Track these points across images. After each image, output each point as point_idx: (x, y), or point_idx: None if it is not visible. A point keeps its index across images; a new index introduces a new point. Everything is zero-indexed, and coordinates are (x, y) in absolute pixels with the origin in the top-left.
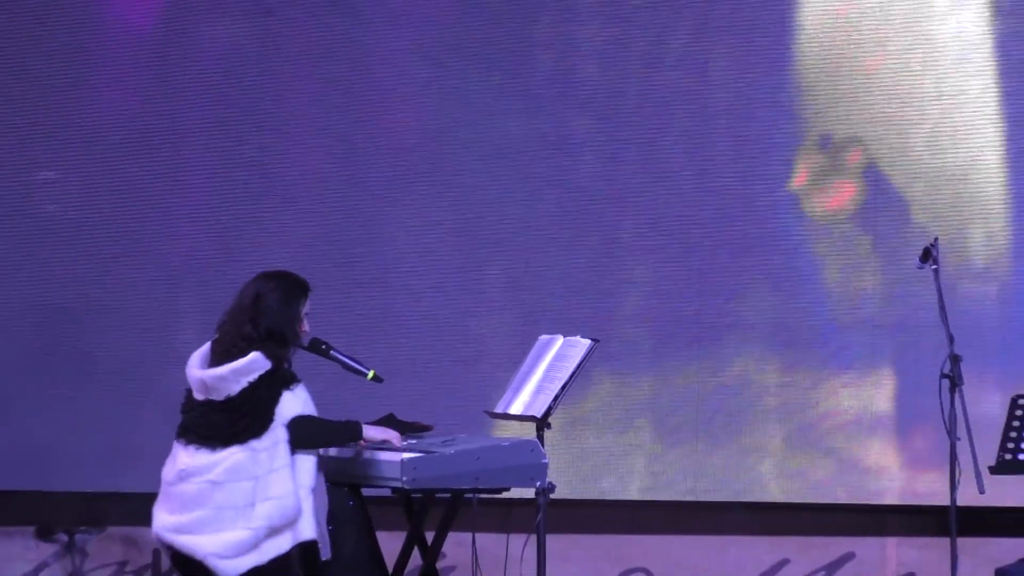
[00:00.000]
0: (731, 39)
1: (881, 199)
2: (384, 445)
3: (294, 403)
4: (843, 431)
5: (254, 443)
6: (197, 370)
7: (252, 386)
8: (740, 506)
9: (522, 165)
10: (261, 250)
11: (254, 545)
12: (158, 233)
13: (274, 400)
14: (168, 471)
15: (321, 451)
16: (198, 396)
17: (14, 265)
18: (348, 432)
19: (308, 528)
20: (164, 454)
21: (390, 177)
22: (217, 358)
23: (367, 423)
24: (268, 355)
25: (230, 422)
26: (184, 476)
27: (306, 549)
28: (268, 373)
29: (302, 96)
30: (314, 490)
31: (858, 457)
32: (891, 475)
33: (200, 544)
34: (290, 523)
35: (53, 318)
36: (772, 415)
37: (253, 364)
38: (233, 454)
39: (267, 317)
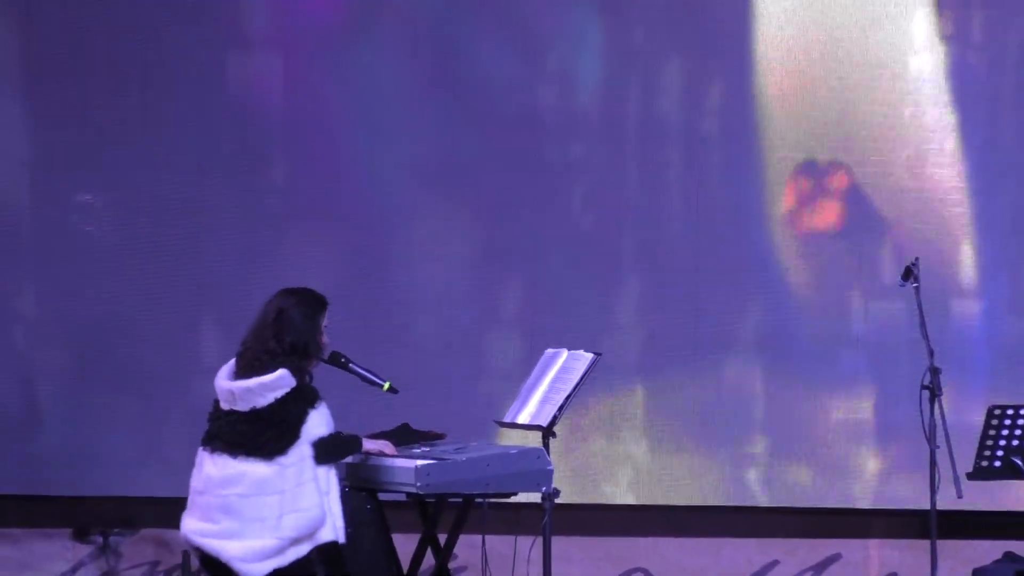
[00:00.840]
0: (725, 72)
1: (864, 221)
2: (381, 456)
3: (318, 421)
4: (830, 439)
5: (281, 459)
6: (225, 381)
7: (279, 401)
8: (733, 510)
9: (528, 190)
10: (282, 269)
11: (279, 551)
12: (185, 253)
13: (301, 419)
14: (196, 480)
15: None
16: (224, 406)
17: (55, 282)
18: (354, 445)
19: (328, 531)
20: (191, 461)
21: (405, 200)
22: (242, 371)
23: (372, 435)
24: (294, 372)
25: (255, 433)
26: (210, 487)
27: (326, 550)
28: (294, 390)
29: (321, 125)
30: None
31: (843, 464)
32: (874, 481)
33: (226, 548)
34: (314, 531)
35: (90, 332)
36: (763, 424)
37: (280, 380)
38: (258, 467)
39: (289, 331)
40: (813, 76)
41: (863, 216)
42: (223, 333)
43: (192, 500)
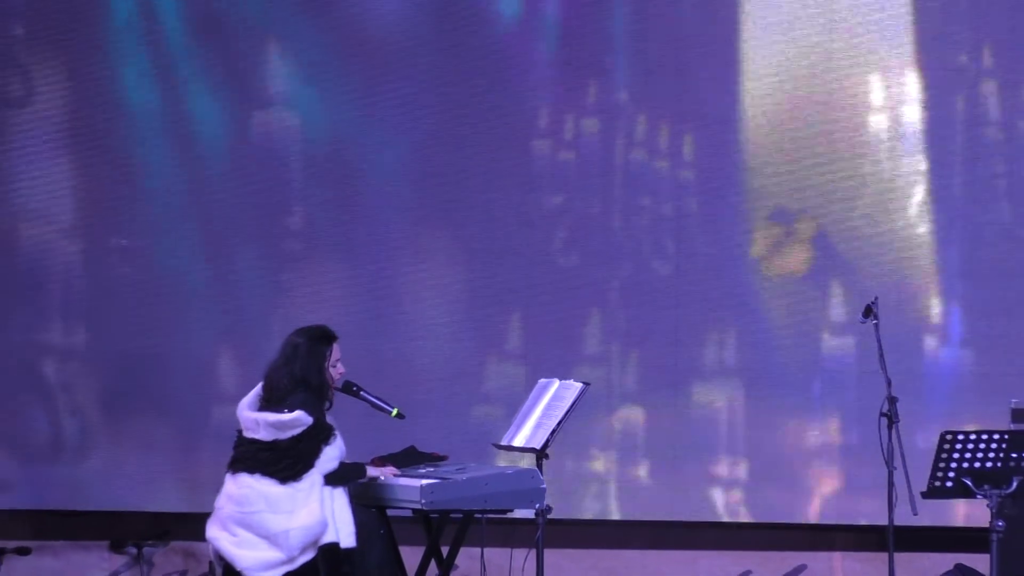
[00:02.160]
0: (705, 128)
1: (829, 263)
2: (384, 479)
3: (331, 455)
4: (798, 461)
5: (294, 483)
6: (248, 411)
7: (295, 439)
8: (709, 525)
9: (522, 234)
10: (300, 306)
11: (288, 561)
12: (211, 293)
13: (315, 454)
14: (219, 498)
15: None
16: (247, 434)
17: (100, 320)
18: (359, 472)
19: (331, 534)
20: (215, 480)
21: (410, 244)
22: (264, 403)
23: (380, 457)
24: (310, 409)
25: (274, 460)
26: (230, 503)
27: (327, 551)
28: (311, 428)
29: (335, 177)
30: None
31: (810, 483)
32: (838, 499)
33: (240, 557)
34: (318, 540)
35: (127, 365)
36: (737, 448)
37: (297, 421)
38: (272, 488)
39: (298, 365)
40: (784, 133)
41: (828, 259)
42: (244, 366)
43: (215, 513)
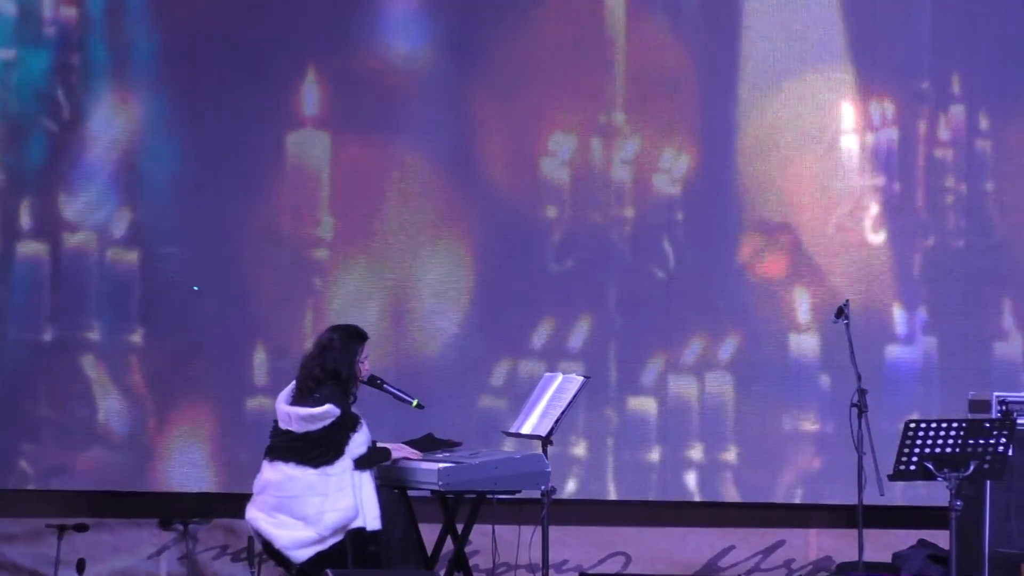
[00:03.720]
0: (696, 148)
1: (805, 269)
2: (407, 461)
3: (359, 441)
4: (778, 447)
5: (327, 468)
6: (284, 405)
7: (326, 428)
8: (698, 504)
9: (530, 245)
10: (328, 309)
11: (320, 541)
12: (248, 295)
13: (345, 442)
14: (258, 481)
15: None
16: (282, 425)
17: (150, 317)
18: (385, 455)
19: (359, 520)
20: (250, 464)
21: (427, 252)
22: (298, 396)
23: (402, 443)
24: (338, 401)
25: (307, 448)
26: (268, 488)
27: (355, 535)
28: (339, 418)
29: (361, 192)
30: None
31: (788, 467)
32: (813, 481)
33: (279, 536)
34: (348, 524)
35: (176, 358)
36: (725, 435)
37: (327, 413)
38: (307, 474)
39: (331, 360)
40: (766, 153)
41: (804, 265)
42: (276, 361)
43: (254, 496)
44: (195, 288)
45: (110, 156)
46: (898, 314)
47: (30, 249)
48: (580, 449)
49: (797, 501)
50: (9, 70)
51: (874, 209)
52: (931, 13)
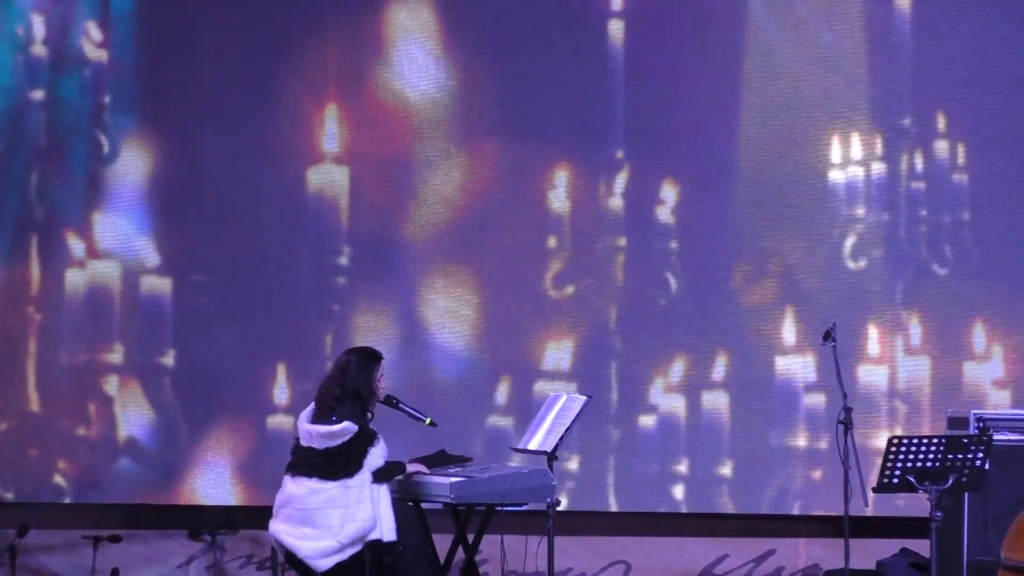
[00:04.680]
0: (693, 182)
1: (795, 294)
2: (421, 475)
3: (376, 455)
4: (769, 461)
5: (347, 481)
6: (305, 423)
7: (345, 444)
8: (695, 516)
9: (531, 271)
10: (346, 332)
11: (340, 551)
12: (272, 320)
13: (363, 456)
14: (281, 495)
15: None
16: (304, 442)
17: (182, 340)
18: (401, 468)
19: (376, 532)
20: (273, 478)
21: (437, 279)
22: (318, 416)
23: (413, 459)
24: (356, 419)
25: (328, 464)
26: (292, 501)
27: (373, 546)
28: (357, 434)
29: (377, 223)
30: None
31: (779, 480)
32: (802, 493)
33: (302, 547)
34: (367, 535)
35: (204, 378)
36: (721, 450)
37: (345, 430)
38: (329, 488)
39: (349, 380)
40: (759, 185)
41: (793, 291)
42: (297, 382)
43: (277, 510)
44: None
45: (143, 190)
46: (883, 337)
47: (74, 277)
48: (582, 464)
49: (787, 512)
50: (45, 110)
51: (859, 238)
52: (911, 54)
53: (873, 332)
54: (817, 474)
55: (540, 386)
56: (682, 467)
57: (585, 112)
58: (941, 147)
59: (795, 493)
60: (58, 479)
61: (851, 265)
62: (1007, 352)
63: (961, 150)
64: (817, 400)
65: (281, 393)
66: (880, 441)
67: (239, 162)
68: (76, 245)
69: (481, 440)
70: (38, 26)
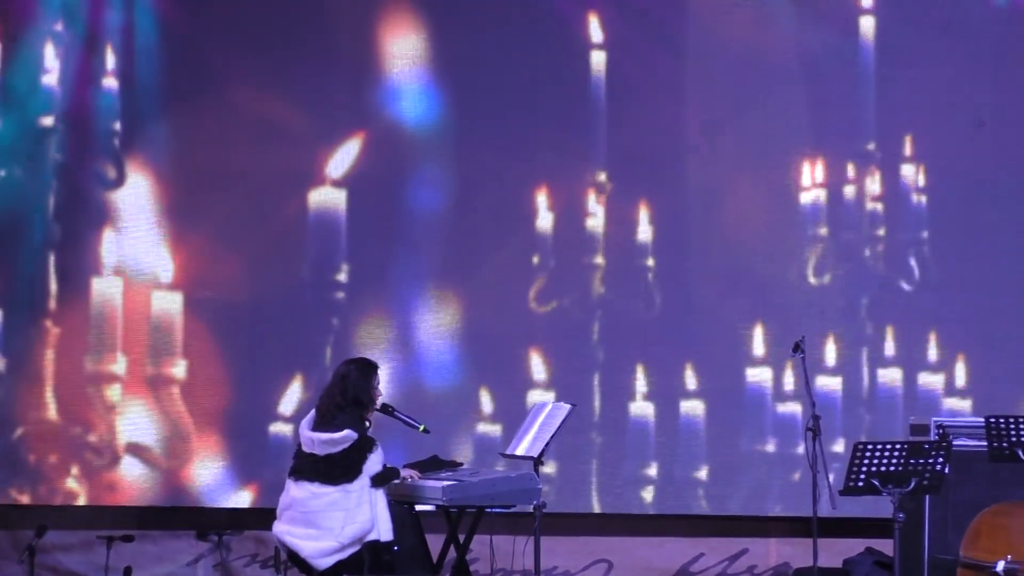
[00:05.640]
0: (670, 202)
1: (766, 308)
2: (414, 480)
3: (375, 461)
4: (743, 465)
5: (347, 486)
6: (307, 431)
7: (345, 451)
8: (673, 517)
9: (519, 287)
10: (344, 344)
11: (340, 550)
12: (275, 332)
13: (362, 461)
14: (284, 498)
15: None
16: (306, 448)
17: (191, 353)
18: (396, 474)
19: (374, 533)
20: (275, 483)
21: (430, 299)
22: (319, 423)
23: (407, 464)
24: (356, 426)
25: (329, 469)
26: (295, 504)
27: (371, 546)
28: (357, 441)
29: (374, 243)
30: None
31: (752, 483)
32: (773, 495)
33: (304, 547)
34: (365, 536)
35: (212, 388)
36: (698, 455)
37: (346, 438)
38: (330, 492)
39: (349, 388)
40: (732, 206)
41: (766, 305)
42: (298, 391)
43: (281, 512)
44: (208, 295)
45: (155, 211)
46: (849, 347)
47: (89, 292)
48: (567, 468)
49: (759, 513)
50: (61, 134)
51: (825, 256)
52: (875, 83)
53: (839, 343)
54: (787, 477)
55: (526, 396)
56: (660, 471)
57: (568, 137)
58: (902, 170)
59: (766, 495)
60: (73, 483)
61: (818, 280)
62: (966, 363)
63: (922, 173)
64: (786, 408)
65: (282, 402)
66: (846, 447)
67: (245, 185)
68: (92, 262)
69: (471, 446)
70: (51, 54)
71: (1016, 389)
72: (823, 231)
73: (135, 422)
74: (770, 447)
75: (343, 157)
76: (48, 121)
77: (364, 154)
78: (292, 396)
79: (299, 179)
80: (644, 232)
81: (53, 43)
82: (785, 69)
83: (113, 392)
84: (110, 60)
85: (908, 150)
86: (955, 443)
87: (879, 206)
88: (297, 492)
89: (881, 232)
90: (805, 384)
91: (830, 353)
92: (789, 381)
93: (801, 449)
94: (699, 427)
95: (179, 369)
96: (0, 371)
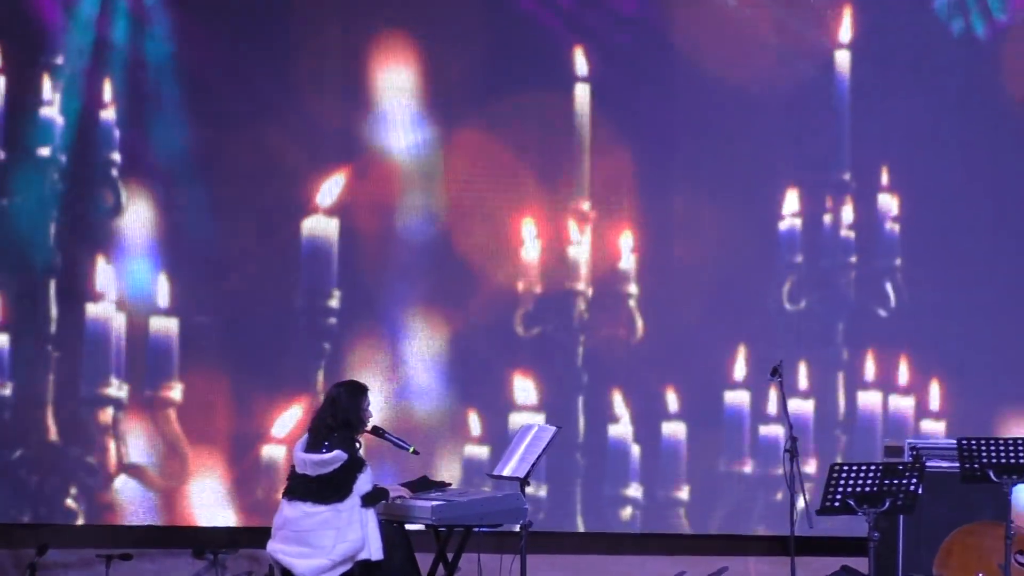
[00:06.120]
0: (647, 229)
1: (746, 334)
2: (404, 499)
3: (364, 481)
4: (723, 486)
5: (338, 505)
6: (300, 452)
7: (336, 471)
8: (655, 536)
9: (506, 313)
10: (336, 367)
11: (332, 568)
12: (268, 356)
13: (352, 481)
14: (278, 518)
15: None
16: (299, 469)
17: (188, 376)
18: (385, 494)
19: (365, 552)
20: (268, 502)
21: (417, 323)
22: (311, 445)
23: (399, 484)
24: (346, 447)
25: (320, 489)
26: (288, 523)
27: (363, 565)
28: (347, 462)
29: (367, 270)
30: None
31: (732, 503)
32: (753, 515)
33: (298, 565)
34: (356, 554)
35: (208, 411)
36: (679, 475)
37: (336, 458)
38: (322, 511)
39: (340, 410)
40: (713, 235)
41: (745, 330)
42: (290, 414)
43: (275, 531)
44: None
45: (152, 239)
46: (817, 374)
47: (88, 317)
48: (552, 488)
49: (738, 532)
50: (60, 165)
51: (804, 282)
52: (850, 115)
53: (815, 368)
54: (765, 498)
55: (512, 418)
56: (642, 491)
57: (553, 168)
58: (876, 199)
59: (745, 515)
60: (72, 502)
61: (794, 306)
62: (939, 386)
63: (896, 202)
64: (765, 430)
65: (276, 424)
66: (823, 468)
67: (239, 214)
68: (91, 288)
69: (459, 467)
70: (48, 87)
71: (988, 412)
72: (800, 259)
73: (133, 444)
74: (749, 468)
75: (334, 186)
76: (47, 151)
77: (355, 184)
78: (285, 419)
79: (292, 208)
80: (626, 260)
81: (52, 76)
82: (764, 102)
83: (111, 414)
84: (107, 92)
85: (883, 180)
86: (928, 464)
87: (853, 234)
88: (290, 511)
89: (855, 260)
90: (783, 407)
91: (806, 377)
92: (767, 404)
93: (779, 470)
94: (680, 448)
95: (175, 392)
96: (7, 395)
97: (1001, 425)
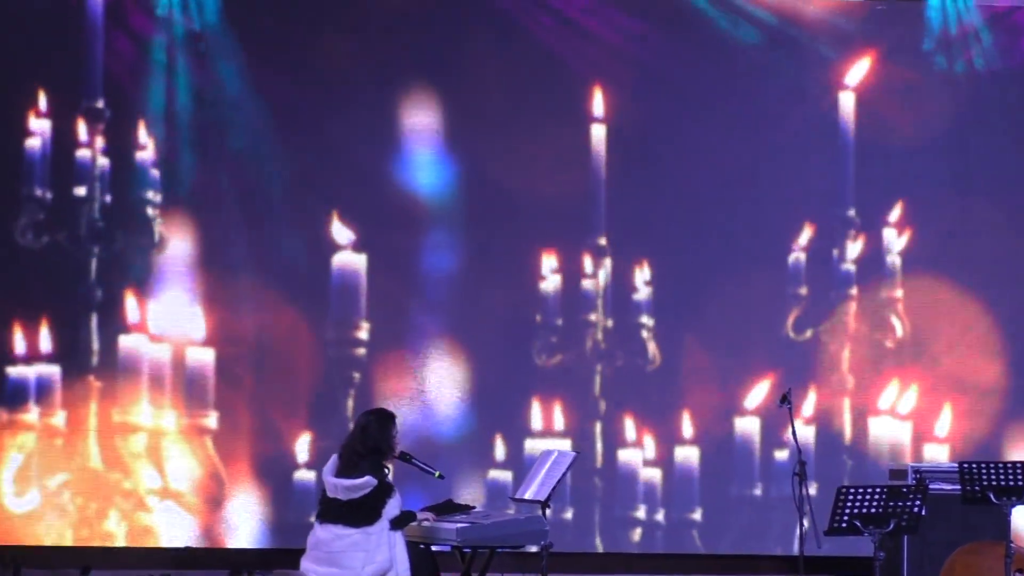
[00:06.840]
0: (662, 263)
1: (754, 362)
2: (431, 521)
3: (393, 505)
4: (735, 507)
5: (368, 528)
6: (330, 477)
7: (366, 496)
8: (669, 555)
9: (525, 341)
10: (364, 396)
11: None
12: (298, 385)
13: (382, 506)
14: (311, 538)
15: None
16: (330, 493)
17: (224, 404)
18: (412, 517)
19: (392, 572)
20: (302, 524)
21: (441, 348)
22: (342, 470)
23: (424, 508)
24: (376, 473)
25: (351, 513)
26: (320, 544)
27: None
28: (377, 487)
29: (393, 299)
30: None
31: (744, 524)
32: (763, 535)
33: None
34: (384, 574)
35: (243, 439)
36: (692, 498)
37: (366, 484)
38: (352, 534)
39: (369, 437)
40: (726, 266)
41: (756, 360)
42: (320, 440)
43: (308, 550)
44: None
45: (189, 273)
46: (825, 402)
47: (128, 349)
48: (572, 511)
49: (750, 552)
50: (98, 206)
51: (805, 311)
52: (855, 152)
53: (822, 397)
54: (775, 519)
55: (534, 444)
56: (658, 513)
57: (570, 204)
58: (880, 235)
59: (756, 535)
60: (113, 525)
61: (798, 335)
62: (942, 412)
63: (896, 237)
64: (774, 454)
65: (307, 450)
66: (830, 491)
67: (272, 250)
68: (130, 320)
69: (483, 491)
70: (84, 129)
71: (988, 437)
72: (803, 291)
73: (170, 469)
74: (759, 491)
75: (363, 224)
76: (83, 191)
77: (382, 221)
78: (316, 445)
79: (321, 245)
80: (642, 292)
81: (88, 120)
82: (770, 141)
83: (151, 441)
84: (142, 134)
85: (886, 215)
86: (931, 487)
87: (858, 267)
88: (322, 533)
89: (857, 289)
90: (792, 432)
91: (813, 403)
92: (777, 430)
93: (788, 492)
94: (693, 472)
95: (211, 420)
96: (59, 424)
97: (1003, 449)
